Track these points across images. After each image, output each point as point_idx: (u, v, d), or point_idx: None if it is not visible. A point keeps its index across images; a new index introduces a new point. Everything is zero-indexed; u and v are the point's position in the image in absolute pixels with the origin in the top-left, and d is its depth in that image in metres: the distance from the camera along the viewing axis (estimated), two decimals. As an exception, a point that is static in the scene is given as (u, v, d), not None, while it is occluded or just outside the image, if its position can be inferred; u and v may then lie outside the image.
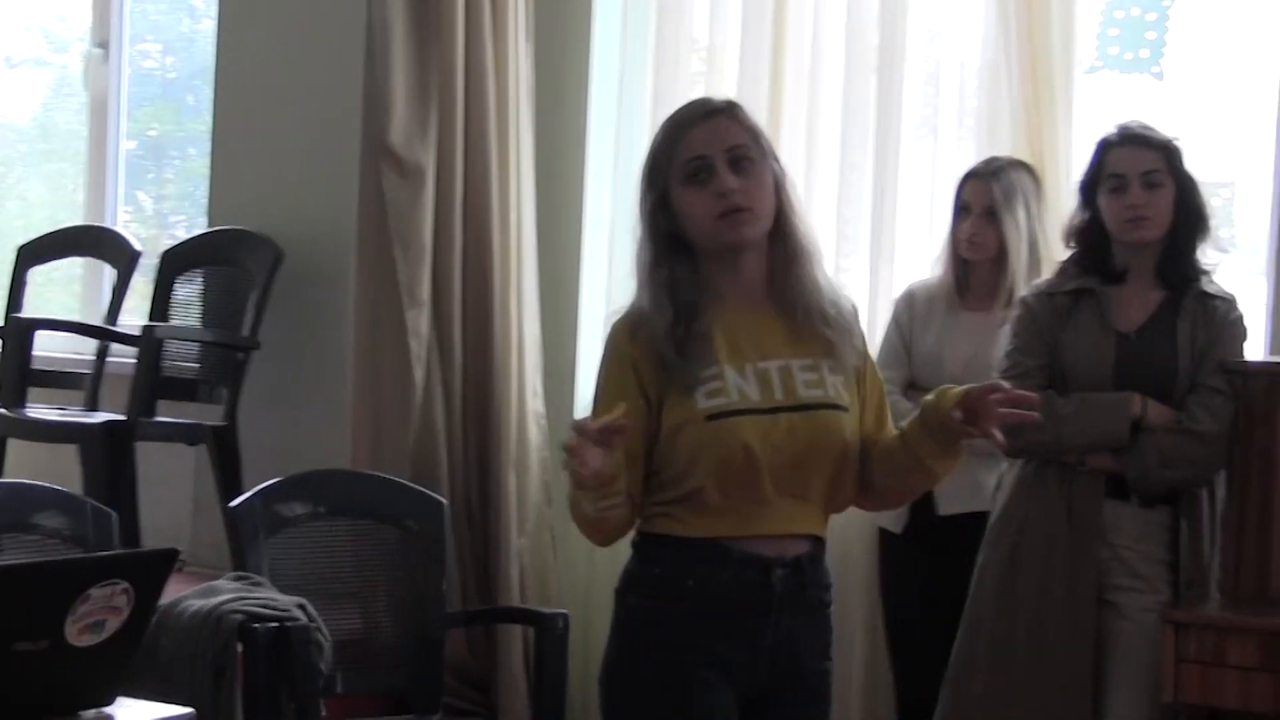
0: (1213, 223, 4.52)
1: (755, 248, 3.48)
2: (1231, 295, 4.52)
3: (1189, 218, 4.47)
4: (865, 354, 3.55)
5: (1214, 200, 5.04)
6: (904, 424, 3.47)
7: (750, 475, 3.39)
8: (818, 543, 3.50)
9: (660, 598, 3.50)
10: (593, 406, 3.50)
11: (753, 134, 3.49)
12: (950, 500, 4.94)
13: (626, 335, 3.47)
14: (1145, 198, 4.46)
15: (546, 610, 5.28)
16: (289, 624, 4.66)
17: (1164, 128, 4.52)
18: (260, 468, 5.76)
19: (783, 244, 3.48)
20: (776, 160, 3.52)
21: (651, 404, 3.44)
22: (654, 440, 3.45)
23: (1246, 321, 4.53)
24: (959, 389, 3.35)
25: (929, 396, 3.41)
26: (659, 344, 3.41)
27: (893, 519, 5.06)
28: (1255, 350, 4.69)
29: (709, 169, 3.42)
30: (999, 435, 3.30)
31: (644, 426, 3.43)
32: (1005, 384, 3.35)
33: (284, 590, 4.87)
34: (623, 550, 5.89)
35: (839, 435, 3.43)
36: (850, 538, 5.44)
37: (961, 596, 4.60)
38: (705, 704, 3.45)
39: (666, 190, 3.45)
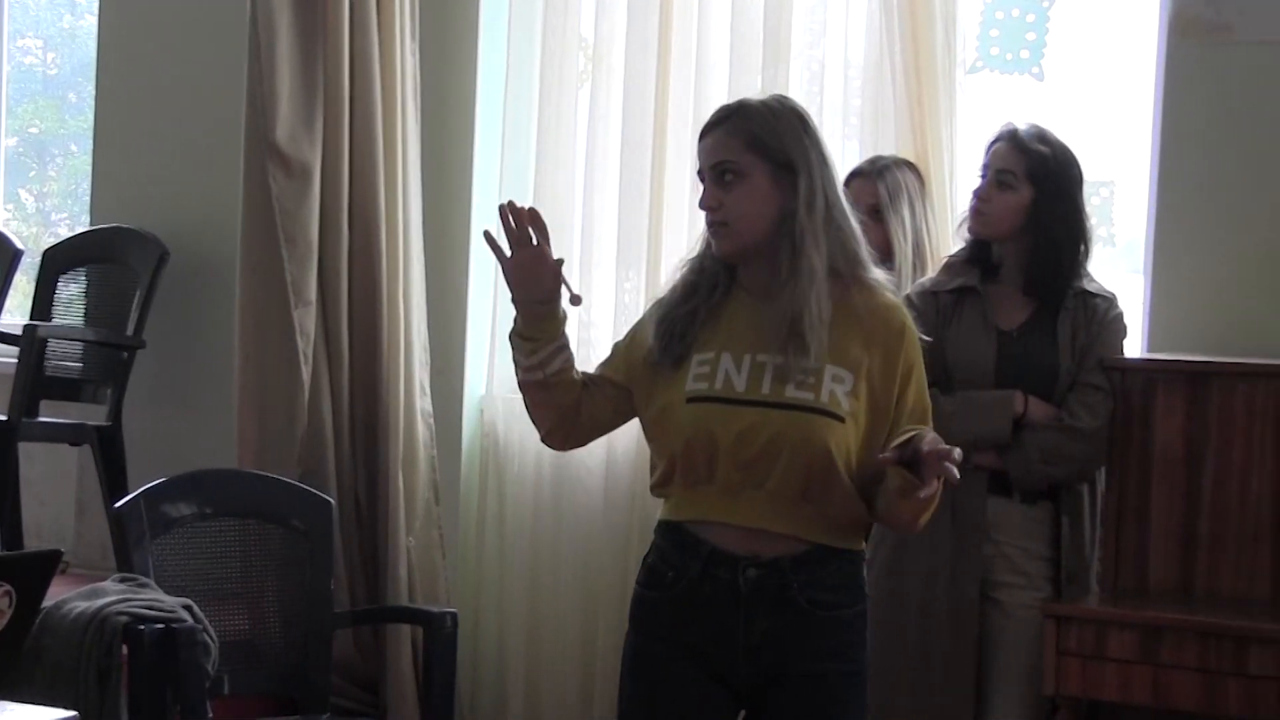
0: (1084, 249, 4.52)
1: (758, 252, 3.56)
2: (1112, 294, 4.57)
3: (1040, 231, 4.48)
4: (906, 375, 3.56)
5: (1093, 199, 5.11)
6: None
7: (708, 460, 3.50)
8: (818, 548, 3.53)
9: (649, 587, 3.63)
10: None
11: (753, 140, 3.56)
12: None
13: (659, 299, 3.68)
14: (990, 193, 4.52)
15: (435, 609, 5.29)
16: (175, 625, 4.64)
17: (1062, 143, 4.53)
18: (145, 468, 5.74)
19: (785, 252, 3.54)
20: (792, 165, 3.55)
21: (642, 360, 3.63)
22: (629, 395, 3.67)
23: (1126, 319, 4.59)
24: (904, 436, 3.40)
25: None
26: (667, 315, 3.60)
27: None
28: (1134, 348, 4.75)
29: (703, 182, 3.61)
30: (933, 486, 3.34)
31: (625, 370, 3.68)
32: (932, 435, 3.38)
33: (170, 591, 4.85)
34: (509, 551, 5.95)
35: (819, 440, 3.47)
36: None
37: (847, 593, 4.63)
38: (680, 698, 3.56)
39: None
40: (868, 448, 3.51)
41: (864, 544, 3.65)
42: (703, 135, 3.64)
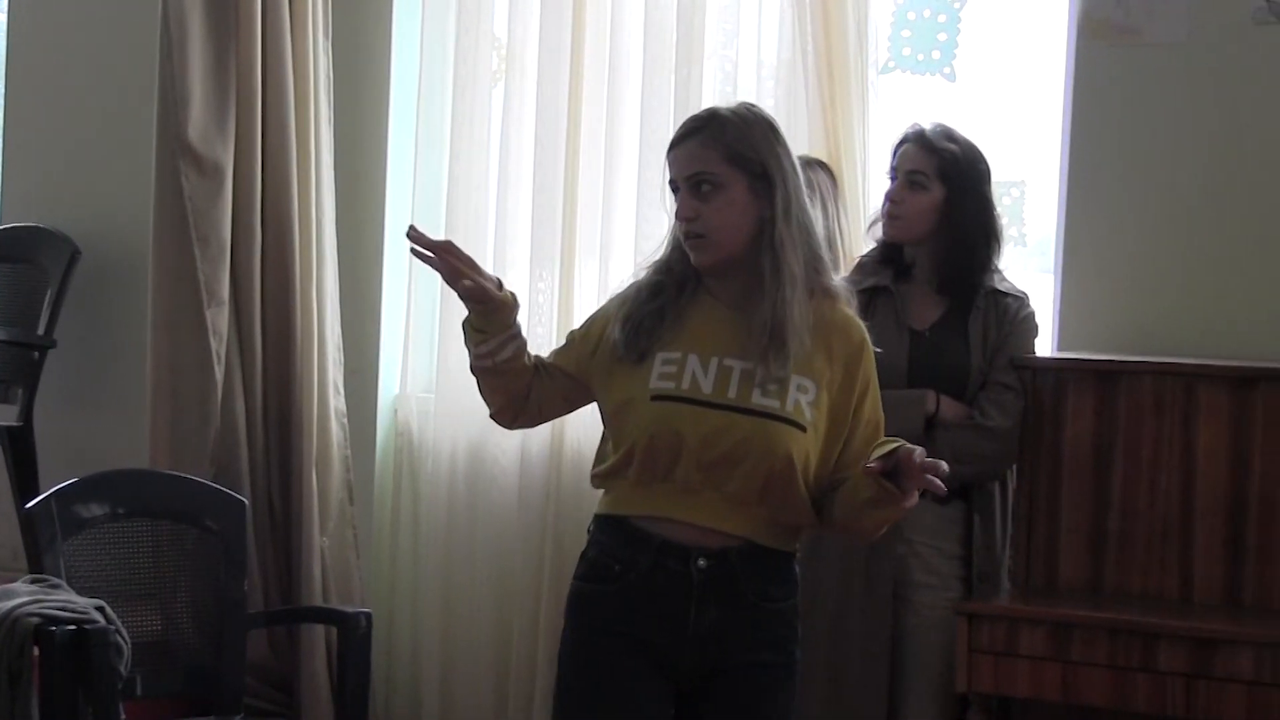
0: (996, 244, 4.56)
1: (734, 261, 3.59)
2: (1023, 293, 4.61)
3: (954, 229, 4.52)
4: (864, 389, 3.62)
5: (1004, 199, 5.15)
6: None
7: (671, 459, 3.53)
8: (759, 547, 3.59)
9: (591, 580, 3.64)
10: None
11: (729, 152, 3.58)
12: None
13: (622, 294, 3.68)
14: (902, 195, 4.54)
15: (349, 609, 5.28)
16: (87, 626, 4.61)
17: (968, 139, 4.57)
18: (57, 468, 5.70)
19: (765, 260, 3.57)
20: (768, 175, 3.58)
21: (599, 352, 3.65)
22: (583, 386, 3.71)
23: (1037, 319, 4.62)
24: (887, 448, 3.44)
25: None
26: (634, 312, 3.61)
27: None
28: (1044, 347, 4.78)
29: (678, 192, 3.61)
30: (914, 498, 3.42)
31: (576, 362, 3.71)
32: (920, 449, 3.42)
33: (82, 592, 4.82)
34: (424, 550, 5.94)
35: (781, 447, 3.52)
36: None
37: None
38: (625, 689, 3.58)
39: None
40: (824, 459, 3.58)
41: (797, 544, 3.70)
42: (674, 145, 3.65)
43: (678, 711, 3.65)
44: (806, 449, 3.55)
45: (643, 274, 3.70)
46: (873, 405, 3.64)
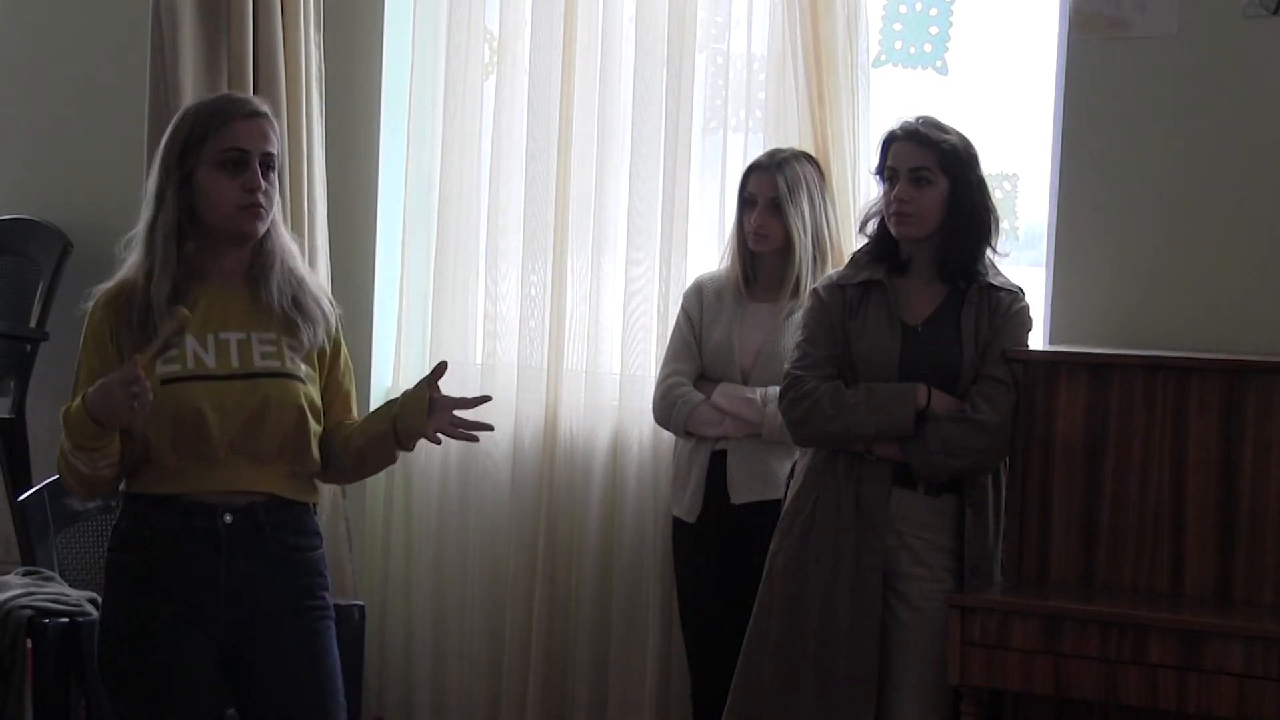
0: (995, 225, 4.58)
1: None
2: (1017, 287, 4.61)
3: (962, 218, 4.54)
4: (337, 349, 3.96)
5: (996, 193, 5.16)
6: (369, 416, 3.93)
7: (201, 435, 3.69)
8: (281, 500, 3.80)
9: (125, 550, 3.77)
10: (76, 374, 3.80)
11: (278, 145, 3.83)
12: (743, 489, 5.00)
13: (104, 306, 3.77)
14: (910, 193, 4.53)
15: (342, 602, 5.25)
16: (80, 619, 4.62)
17: (953, 126, 4.58)
18: (50, 461, 5.66)
19: (270, 239, 3.83)
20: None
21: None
22: None
23: (1030, 313, 4.63)
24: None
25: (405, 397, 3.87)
26: (149, 314, 3.72)
27: (686, 508, 5.11)
28: (1036, 340, 4.79)
29: (244, 163, 3.75)
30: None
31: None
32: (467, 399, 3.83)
33: (75, 585, 4.83)
34: (416, 543, 5.93)
35: (294, 401, 3.79)
36: (645, 528, 5.50)
37: (754, 584, 4.66)
38: (172, 649, 3.72)
39: (194, 170, 3.75)
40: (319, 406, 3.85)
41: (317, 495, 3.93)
42: (241, 118, 3.77)
43: (230, 670, 3.78)
44: (311, 398, 3.81)
45: (136, 279, 3.78)
46: (346, 365, 3.97)
